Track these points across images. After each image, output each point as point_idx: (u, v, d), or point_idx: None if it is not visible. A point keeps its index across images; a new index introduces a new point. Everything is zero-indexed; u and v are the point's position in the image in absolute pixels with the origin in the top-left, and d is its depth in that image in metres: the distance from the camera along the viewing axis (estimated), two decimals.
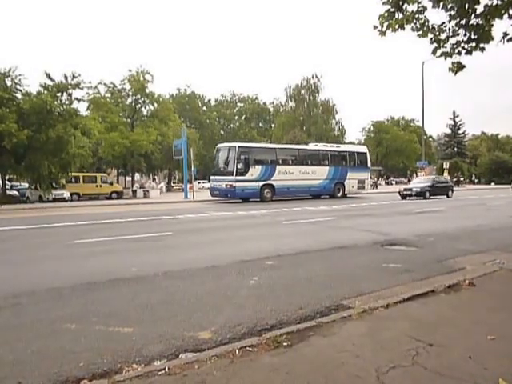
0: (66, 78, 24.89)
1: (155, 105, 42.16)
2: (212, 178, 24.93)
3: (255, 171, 22.96)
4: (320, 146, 28.26)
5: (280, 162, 24.44)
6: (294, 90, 68.73)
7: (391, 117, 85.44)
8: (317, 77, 68.05)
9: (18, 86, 24.59)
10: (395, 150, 75.97)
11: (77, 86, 25.20)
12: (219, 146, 25.37)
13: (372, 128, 79.43)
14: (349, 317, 3.76)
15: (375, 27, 7.24)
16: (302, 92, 68.75)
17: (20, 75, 24.49)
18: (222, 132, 75.52)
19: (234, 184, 22.25)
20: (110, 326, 3.71)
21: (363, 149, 30.34)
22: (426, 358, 2.91)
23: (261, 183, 23.14)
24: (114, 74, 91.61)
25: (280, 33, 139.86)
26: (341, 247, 7.87)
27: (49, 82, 24.93)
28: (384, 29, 7.20)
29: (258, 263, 6.38)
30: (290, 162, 25.30)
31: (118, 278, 5.53)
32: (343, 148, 29.52)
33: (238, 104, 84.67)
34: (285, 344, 3.17)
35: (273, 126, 78.96)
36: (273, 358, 2.94)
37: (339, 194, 26.81)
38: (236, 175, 22.25)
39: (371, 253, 7.40)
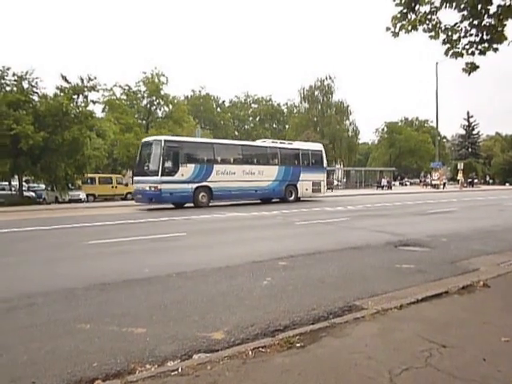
0: (81, 80, 25.24)
1: (170, 106, 42.44)
2: (135, 179, 21.15)
3: (187, 171, 19.31)
4: (268, 143, 25.32)
5: (219, 160, 20.90)
6: (308, 91, 68.63)
7: (405, 117, 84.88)
8: (330, 78, 67.84)
9: (34, 89, 24.93)
10: (409, 150, 75.39)
11: (92, 88, 25.53)
12: (143, 140, 21.42)
13: (385, 129, 78.94)
14: (362, 318, 3.74)
15: (388, 29, 7.21)
16: (316, 93, 68.60)
17: (36, 78, 24.85)
18: (236, 133, 75.87)
19: (159, 186, 18.36)
20: (124, 326, 3.75)
21: (318, 146, 26.76)
22: (439, 359, 2.88)
23: (194, 185, 19.49)
24: (130, 76, 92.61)
25: (294, 34, 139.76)
26: (353, 248, 7.83)
27: (65, 85, 25.30)
28: (397, 30, 7.17)
29: (270, 264, 6.38)
30: (232, 160, 21.77)
31: (131, 278, 5.58)
32: (295, 145, 26.04)
33: (252, 105, 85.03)
34: (297, 345, 3.16)
35: (286, 127, 79.01)
36: (285, 359, 2.94)
37: (291, 198, 23.58)
38: (162, 175, 18.43)
39: (384, 253, 7.35)
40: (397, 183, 64.40)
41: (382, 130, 79.74)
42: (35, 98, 25.05)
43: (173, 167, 18.83)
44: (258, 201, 23.13)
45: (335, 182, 51.39)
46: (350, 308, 4.22)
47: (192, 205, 19.49)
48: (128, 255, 7.56)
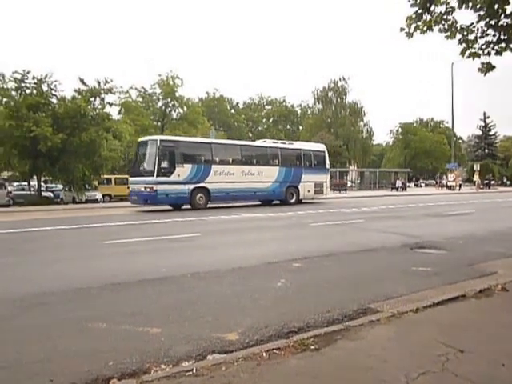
0: (98, 83, 25.73)
1: (184, 108, 42.82)
2: (130, 179, 20.54)
3: (183, 171, 18.66)
4: (268, 143, 24.57)
5: (217, 160, 20.22)
6: (322, 92, 68.62)
7: (420, 118, 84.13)
8: (344, 79, 67.73)
9: (53, 92, 25.43)
10: (424, 151, 74.62)
11: (109, 90, 25.98)
12: (139, 140, 20.86)
13: (400, 130, 78.27)
14: (377, 321, 3.69)
15: (402, 29, 7.15)
16: (330, 94, 68.55)
17: (55, 81, 25.34)
18: (249, 134, 76.18)
19: (154, 187, 17.75)
20: (139, 325, 3.77)
21: (321, 147, 25.99)
22: (456, 364, 2.83)
23: (191, 186, 18.84)
24: (145, 78, 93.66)
25: (308, 36, 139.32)
26: (368, 249, 7.77)
27: (82, 87, 25.81)
28: (411, 31, 7.10)
29: (284, 265, 6.36)
30: (231, 160, 21.03)
31: (146, 278, 5.62)
32: (296, 146, 25.32)
33: (266, 107, 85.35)
34: (312, 347, 3.14)
35: (300, 128, 79.01)
36: (300, 361, 2.92)
37: (292, 200, 22.77)
38: (158, 176, 17.84)
39: (400, 255, 7.28)
40: (412, 184, 63.77)
41: (397, 131, 79.16)
42: (54, 100, 25.57)
43: (169, 167, 18.28)
44: (258, 202, 22.56)
45: (349, 184, 51.04)
46: (365, 311, 4.18)
47: (196, 207, 18.92)
48: (143, 255, 7.63)
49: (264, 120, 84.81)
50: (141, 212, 17.95)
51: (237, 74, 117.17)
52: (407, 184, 53.26)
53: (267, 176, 21.71)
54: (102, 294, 4.91)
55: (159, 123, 42.29)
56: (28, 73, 24.51)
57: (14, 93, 24.45)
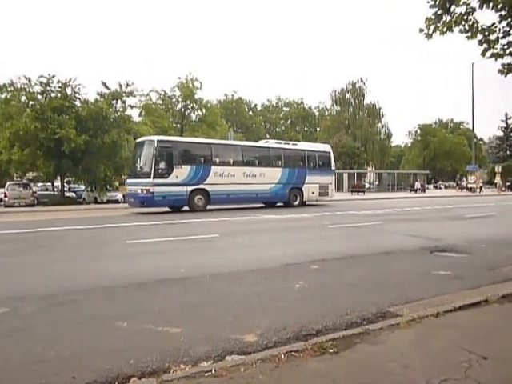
0: (120, 86, 26.29)
1: (203, 110, 43.15)
2: (127, 181, 20.14)
3: (181, 172, 18.10)
4: (271, 143, 23.83)
5: (217, 161, 19.63)
6: (339, 93, 68.47)
7: (439, 119, 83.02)
8: (362, 80, 67.47)
9: (77, 95, 26.12)
10: (443, 153, 73.60)
11: (130, 93, 26.56)
12: (137, 140, 20.36)
13: (419, 131, 77.30)
14: (397, 325, 3.65)
15: (421, 30, 7.07)
16: (347, 96, 68.33)
17: (79, 84, 26.00)
18: (267, 136, 76.50)
19: (151, 189, 17.26)
20: (159, 325, 3.82)
21: (326, 148, 25.23)
22: (479, 371, 2.78)
23: (190, 188, 18.30)
24: (165, 81, 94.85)
25: (326, 37, 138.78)
26: (387, 252, 7.69)
27: (105, 91, 26.43)
28: (431, 31, 7.02)
29: (303, 267, 6.35)
30: (231, 161, 20.41)
31: (167, 278, 5.68)
32: (300, 146, 24.68)
33: (284, 108, 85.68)
34: (331, 350, 3.12)
35: (318, 129, 78.86)
36: (319, 364, 2.91)
37: (296, 202, 22.10)
38: (154, 177, 17.33)
39: (419, 259, 7.18)
40: (431, 186, 62.91)
41: (416, 132, 78.32)
42: (77, 103, 26.22)
43: (166, 169, 17.77)
44: (261, 205, 22.06)
45: (367, 185, 50.57)
46: (384, 314, 4.13)
47: (194, 209, 18.33)
48: (164, 255, 7.72)
49: (282, 121, 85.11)
50: (158, 213, 18.04)
51: (255, 76, 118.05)
52: (426, 186, 52.53)
53: (269, 177, 21.09)
54: (125, 293, 5.00)
55: (179, 125, 42.73)
56: (53, 77, 25.18)
57: (39, 96, 25.17)
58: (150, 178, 17.36)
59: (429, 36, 7.05)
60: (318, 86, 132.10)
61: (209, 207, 19.23)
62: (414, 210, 19.36)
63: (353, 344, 3.26)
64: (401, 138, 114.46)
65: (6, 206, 24.14)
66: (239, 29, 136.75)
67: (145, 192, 17.39)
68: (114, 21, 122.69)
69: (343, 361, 2.98)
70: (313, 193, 22.92)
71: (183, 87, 40.34)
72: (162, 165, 17.68)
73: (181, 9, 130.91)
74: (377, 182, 56.14)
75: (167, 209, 19.09)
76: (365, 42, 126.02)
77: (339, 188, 50.37)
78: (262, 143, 24.59)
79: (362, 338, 3.37)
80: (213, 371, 2.83)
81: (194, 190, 18.43)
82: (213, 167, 19.20)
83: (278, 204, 22.15)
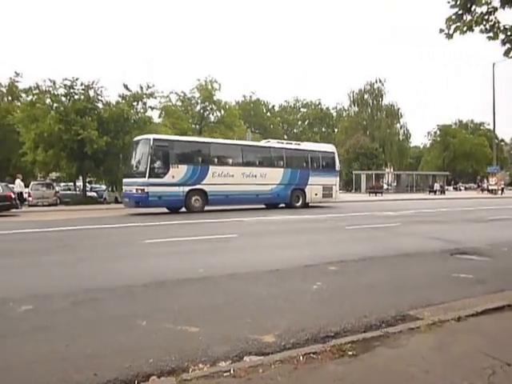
0: (141, 88, 26.73)
1: (222, 111, 43.34)
2: (124, 181, 19.60)
3: (178, 172, 17.63)
4: (273, 143, 23.23)
5: (215, 161, 19.23)
6: (358, 94, 68.04)
7: (459, 120, 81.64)
8: (380, 81, 66.91)
9: (99, 97, 26.63)
10: (463, 154, 72.35)
11: (151, 95, 26.99)
12: (135, 139, 19.73)
13: (438, 132, 76.13)
14: (417, 328, 3.59)
15: (441, 30, 6.95)
16: (366, 96, 67.85)
17: (101, 87, 26.50)
18: (285, 137, 76.54)
19: (146, 189, 16.80)
20: (178, 324, 3.85)
21: (330, 148, 24.63)
22: (503, 378, 2.71)
23: (186, 188, 17.81)
24: (185, 82, 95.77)
25: (344, 37, 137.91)
26: (406, 254, 7.59)
27: (126, 93, 26.87)
28: (451, 32, 6.89)
29: (320, 268, 6.32)
30: (230, 161, 19.95)
31: (186, 278, 5.72)
32: (303, 146, 23.94)
33: (302, 109, 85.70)
34: (350, 353, 3.09)
35: (335, 130, 78.49)
36: (338, 367, 2.89)
37: (298, 203, 21.59)
38: (149, 177, 16.87)
39: (439, 261, 7.07)
40: (450, 188, 61.87)
41: (435, 133, 77.20)
42: (100, 105, 26.76)
43: (162, 168, 17.33)
44: (262, 206, 21.55)
45: (385, 186, 50.09)
46: (404, 317, 4.07)
47: (191, 210, 17.88)
48: (182, 255, 7.78)
49: (299, 123, 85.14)
50: (172, 214, 18.06)
51: (273, 77, 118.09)
52: (446, 187, 51.69)
53: (271, 178, 20.54)
54: (144, 292, 5.05)
55: (197, 126, 43.00)
56: (77, 79, 25.74)
57: (63, 98, 25.73)
58: (145, 177, 16.96)
59: (449, 36, 6.93)
60: (335, 87, 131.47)
61: (216, 208, 19.23)
62: (433, 211, 19.07)
63: (372, 347, 3.23)
64: (420, 138, 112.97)
65: (29, 206, 24.68)
66: (257, 30, 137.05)
67: (139, 192, 17.01)
68: (127, 21, 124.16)
69: (362, 364, 2.95)
70: (316, 194, 22.39)
71: (202, 89, 40.60)
72: (158, 164, 17.28)
73: (199, 10, 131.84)
74: (395, 184, 55.57)
75: (166, 210, 18.73)
76: (383, 42, 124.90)
77: (357, 189, 50.14)
78: (262, 143, 24.15)
79: (381, 341, 3.33)
80: (231, 371, 2.83)
81: (191, 191, 17.99)
82: (211, 167, 18.77)
83: (280, 206, 21.70)
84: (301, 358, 3.02)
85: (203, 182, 18.31)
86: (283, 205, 21.60)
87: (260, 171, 20.34)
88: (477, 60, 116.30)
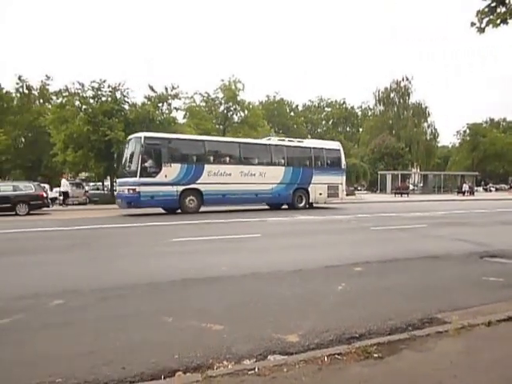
0: (166, 89, 27.20)
1: (245, 112, 43.52)
2: (117, 181, 19.27)
3: (171, 171, 17.03)
4: (274, 141, 22.18)
5: (211, 159, 18.55)
6: (383, 93, 67.04)
7: (490, 118, 79.14)
8: (407, 79, 65.67)
9: (125, 99, 27.28)
10: (494, 154, 70.20)
11: (175, 96, 27.50)
12: (129, 137, 19.13)
13: (468, 131, 74.17)
14: (445, 332, 3.51)
15: (473, 24, 6.77)
16: (392, 95, 66.79)
17: (127, 88, 27.13)
18: (308, 136, 76.24)
19: (137, 188, 16.29)
20: (203, 321, 3.89)
21: (335, 145, 23.53)
22: None
23: (180, 188, 17.20)
24: (209, 83, 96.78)
25: (369, 35, 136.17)
26: (433, 256, 7.42)
27: (151, 94, 27.36)
28: (483, 25, 6.70)
29: (345, 269, 6.27)
30: (227, 159, 19.24)
31: (210, 276, 5.78)
32: (306, 143, 23.03)
33: (326, 109, 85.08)
34: (375, 355, 3.06)
35: (360, 130, 77.59)
36: (363, 369, 2.86)
37: (301, 204, 20.71)
38: (141, 176, 16.36)
39: (468, 264, 6.89)
40: (480, 189, 60.18)
41: (464, 132, 75.12)
42: (126, 106, 27.35)
43: (154, 167, 16.80)
44: (266, 207, 20.99)
45: (411, 187, 49.17)
46: (431, 321, 3.99)
47: (186, 210, 17.38)
48: (207, 253, 7.85)
49: (323, 122, 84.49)
50: (200, 213, 18.29)
51: (296, 76, 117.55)
52: (475, 188, 50.36)
53: (271, 177, 19.71)
54: (170, 290, 5.14)
55: (221, 127, 43.31)
56: (104, 81, 26.43)
57: (91, 100, 26.44)
58: (136, 177, 16.50)
59: (481, 30, 6.74)
60: (360, 86, 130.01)
61: (223, 208, 19.19)
62: (461, 213, 18.59)
63: (398, 350, 3.18)
64: (448, 138, 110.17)
65: (60, 205, 25.47)
66: (281, 30, 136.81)
67: (131, 192, 16.56)
68: (159, 29, 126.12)
69: (388, 367, 2.92)
70: (320, 194, 21.45)
71: (226, 89, 40.84)
72: (150, 163, 16.77)
73: (223, 11, 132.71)
74: (421, 184, 54.50)
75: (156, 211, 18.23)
76: (410, 38, 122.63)
77: (382, 190, 49.41)
78: (262, 140, 23.13)
79: (407, 344, 3.28)
80: (256, 370, 2.84)
81: (185, 190, 17.42)
82: (206, 166, 18.13)
83: (283, 207, 21.05)
84: (325, 358, 3.01)
85: (198, 182, 17.75)
86: (286, 206, 20.97)
87: (259, 170, 19.59)
88: (509, 56, 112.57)
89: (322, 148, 22.52)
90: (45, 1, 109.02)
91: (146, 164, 16.66)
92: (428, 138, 66.64)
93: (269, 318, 4.04)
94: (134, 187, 16.45)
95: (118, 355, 3.17)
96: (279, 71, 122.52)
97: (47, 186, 26.81)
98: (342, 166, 22.80)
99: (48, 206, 20.75)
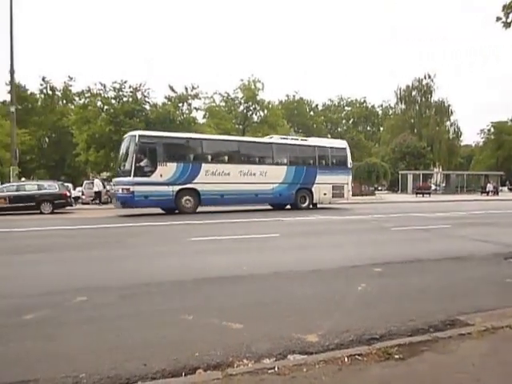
0: (186, 89, 27.54)
1: (265, 111, 43.60)
2: (113, 180, 19.06)
3: (166, 171, 16.66)
4: (276, 139, 21.49)
5: (208, 158, 18.10)
6: (405, 91, 66.08)
7: None
8: (429, 77, 64.57)
9: (146, 99, 27.68)
10: None
11: (195, 96, 27.80)
12: (124, 136, 18.72)
13: (492, 129, 72.45)
14: (468, 334, 3.45)
15: (498, 19, 6.64)
16: (413, 93, 65.80)
17: (148, 89, 27.52)
18: (328, 136, 75.79)
19: (131, 188, 15.96)
20: (223, 320, 3.91)
21: (341, 143, 22.86)
22: None
23: (176, 187, 16.80)
24: (228, 83, 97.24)
25: (390, 33, 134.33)
26: (455, 257, 7.28)
27: (172, 94, 27.74)
28: (509, 20, 6.57)
29: (365, 269, 6.21)
30: (226, 159, 18.77)
31: (230, 275, 5.83)
32: (310, 142, 22.20)
33: (346, 108, 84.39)
34: (396, 357, 3.02)
35: (381, 129, 76.70)
36: (383, 370, 2.84)
37: (304, 204, 20.12)
38: (135, 176, 16.01)
39: (491, 266, 6.74)
40: (505, 189, 58.69)
41: (488, 130, 73.39)
42: (147, 107, 27.74)
43: (149, 166, 16.43)
44: (268, 207, 20.52)
45: (433, 187, 48.36)
46: (453, 322, 3.93)
47: (183, 211, 17.04)
48: (227, 252, 7.93)
49: (344, 121, 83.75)
50: (217, 212, 18.37)
51: (316, 76, 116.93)
52: (499, 188, 49.17)
53: (272, 176, 19.15)
54: (191, 288, 5.20)
55: (241, 126, 43.49)
56: (125, 82, 26.92)
57: (113, 101, 26.91)
58: (130, 176, 16.19)
59: (507, 25, 6.62)
60: (381, 84, 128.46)
61: (236, 208, 19.04)
62: (485, 213, 18.19)
63: (420, 351, 3.14)
64: (472, 137, 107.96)
65: (83, 204, 25.95)
66: (301, 29, 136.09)
67: (125, 192, 16.28)
68: (180, 30, 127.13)
69: (409, 368, 2.88)
70: (325, 194, 20.79)
71: (245, 89, 41.02)
72: (144, 162, 16.43)
73: (242, 10, 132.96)
74: (443, 184, 53.54)
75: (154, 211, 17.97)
76: (432, 35, 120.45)
77: (403, 190, 48.73)
78: (263, 139, 22.80)
79: (429, 346, 3.23)
80: (275, 369, 2.84)
81: (181, 190, 17.03)
82: (204, 165, 17.73)
83: (286, 207, 20.62)
84: (345, 359, 2.99)
85: (195, 181, 17.36)
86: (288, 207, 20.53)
87: (260, 169, 19.10)
88: None
89: (327, 147, 21.91)
90: (66, 3, 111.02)
91: (141, 163, 16.36)
92: (450, 136, 65.43)
93: (289, 317, 4.04)
94: (127, 187, 16.21)
95: (140, 352, 3.22)
96: (299, 70, 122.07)
97: (70, 185, 27.39)
98: (349, 166, 22.15)
99: (71, 205, 21.20)
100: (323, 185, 20.63)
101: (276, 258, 7.41)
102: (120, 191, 16.68)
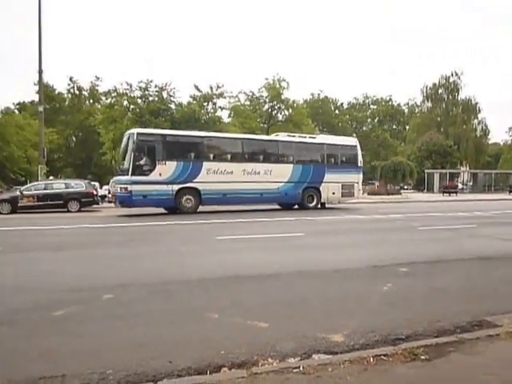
0: (211, 88, 27.73)
1: (290, 110, 43.48)
2: (113, 179, 18.76)
3: (166, 169, 16.19)
4: (282, 137, 21.05)
5: (210, 156, 17.54)
6: (431, 89, 64.68)
7: None
8: (457, 74, 63.04)
9: (171, 98, 28.05)
10: None
11: (220, 95, 28.07)
12: (124, 133, 18.12)
13: None
14: (496, 335, 3.40)
15: None
16: (440, 91, 64.34)
17: (173, 88, 27.85)
18: (353, 135, 75.11)
19: (129, 187, 15.58)
20: (248, 318, 3.95)
21: (351, 141, 22.02)
22: None
23: (176, 186, 16.31)
24: (253, 82, 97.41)
25: (416, 32, 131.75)
26: (482, 258, 7.15)
27: (197, 93, 28.00)
28: None
29: (390, 269, 6.16)
30: (229, 157, 18.12)
31: (256, 274, 5.88)
32: (318, 139, 21.54)
33: (371, 106, 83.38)
34: (422, 357, 3.00)
35: (407, 127, 75.45)
36: (409, 371, 2.82)
37: (312, 204, 19.44)
38: (133, 175, 15.61)
39: None
40: None
41: None
42: (172, 106, 28.08)
43: (147, 165, 16.01)
44: (278, 207, 19.99)
45: (460, 186, 47.26)
46: (480, 323, 3.86)
47: (183, 210, 16.57)
48: (253, 251, 7.98)
49: (369, 120, 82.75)
50: (234, 212, 18.27)
51: (341, 74, 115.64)
52: None
53: (277, 175, 18.48)
54: (218, 286, 5.25)
55: (265, 125, 43.51)
56: (151, 82, 27.33)
57: (139, 100, 27.35)
58: (128, 175, 15.81)
59: None
60: (407, 82, 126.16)
61: (258, 208, 18.88)
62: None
63: (446, 352, 3.11)
64: (500, 135, 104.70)
65: (109, 202, 26.46)
66: (326, 28, 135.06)
67: (123, 191, 15.94)
68: (206, 30, 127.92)
69: (436, 369, 2.86)
70: (333, 193, 20.05)
71: (270, 88, 40.98)
72: (142, 160, 15.99)
73: (268, 9, 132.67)
74: (471, 183, 52.28)
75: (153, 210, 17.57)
76: (459, 32, 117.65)
77: (429, 189, 47.79)
78: (268, 136, 22.06)
79: (456, 347, 3.20)
80: (300, 368, 2.86)
81: (181, 189, 16.58)
82: (205, 163, 17.17)
83: (294, 207, 20.00)
84: (371, 359, 2.99)
85: (196, 180, 16.87)
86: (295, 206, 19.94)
87: (264, 168, 18.34)
88: None
89: (337, 144, 21.13)
90: (94, 3, 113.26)
91: (139, 162, 15.97)
92: (478, 135, 63.80)
93: (314, 316, 4.06)
94: (125, 186, 15.88)
95: (165, 349, 3.27)
96: (324, 69, 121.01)
97: (97, 184, 27.93)
98: (359, 164, 21.25)
99: (98, 204, 21.65)
100: (332, 184, 19.96)
101: (302, 256, 7.40)
102: (118, 190, 16.46)
